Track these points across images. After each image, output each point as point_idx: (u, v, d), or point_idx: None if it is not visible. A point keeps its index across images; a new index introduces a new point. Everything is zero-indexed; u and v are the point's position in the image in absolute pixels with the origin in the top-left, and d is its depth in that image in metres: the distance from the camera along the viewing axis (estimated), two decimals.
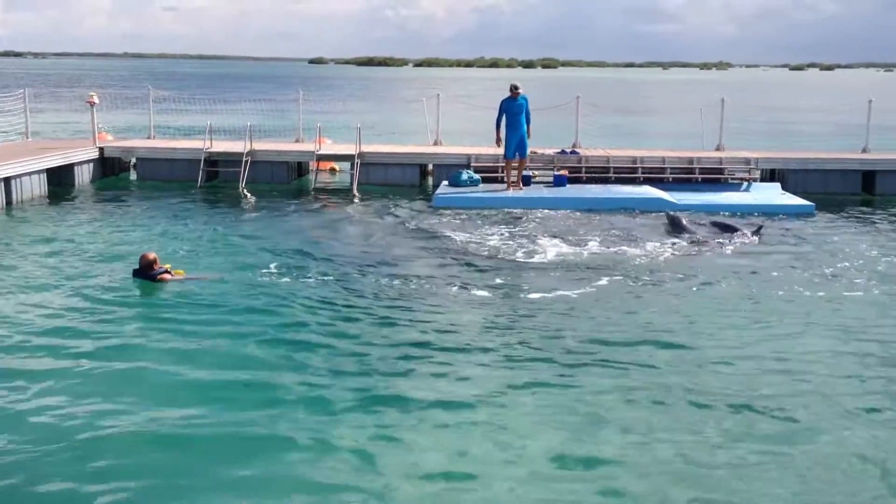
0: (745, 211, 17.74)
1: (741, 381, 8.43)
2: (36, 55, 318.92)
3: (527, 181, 19.51)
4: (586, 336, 9.68)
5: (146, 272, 11.41)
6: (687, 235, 15.16)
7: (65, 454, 6.78)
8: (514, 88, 18.84)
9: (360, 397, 7.84)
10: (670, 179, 20.45)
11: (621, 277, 12.27)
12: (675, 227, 15.72)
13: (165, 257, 12.30)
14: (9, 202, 17.47)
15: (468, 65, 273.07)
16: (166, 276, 11.43)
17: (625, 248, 14.23)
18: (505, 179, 19.33)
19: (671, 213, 16.50)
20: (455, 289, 11.53)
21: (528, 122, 18.84)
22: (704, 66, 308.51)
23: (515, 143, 18.85)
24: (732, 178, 20.70)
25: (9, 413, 7.50)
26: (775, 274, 12.70)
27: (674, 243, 14.60)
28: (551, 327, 10.00)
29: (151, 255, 11.60)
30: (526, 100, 18.93)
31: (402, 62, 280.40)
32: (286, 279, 11.81)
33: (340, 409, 7.61)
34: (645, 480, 6.51)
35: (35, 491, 6.26)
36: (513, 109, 18.76)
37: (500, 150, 19.07)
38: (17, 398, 7.81)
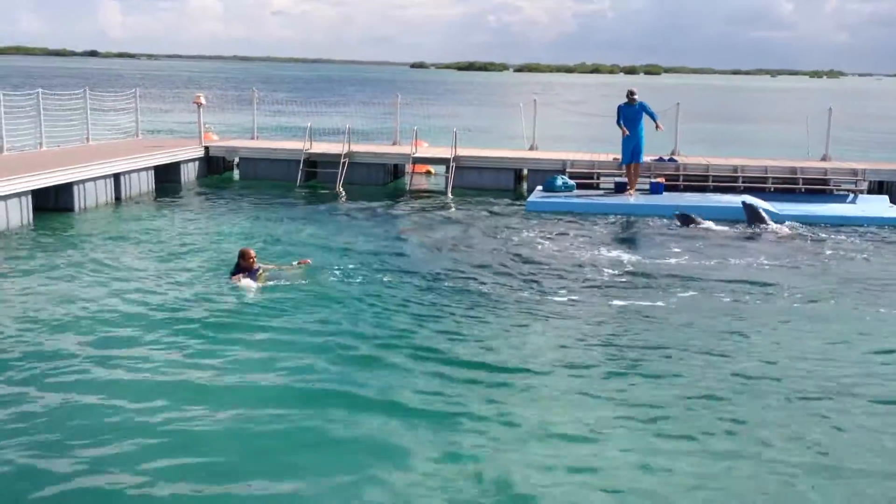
0: (849, 223, 17.14)
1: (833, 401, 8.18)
2: (149, 57, 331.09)
3: (658, 189, 19.32)
4: (667, 349, 9.53)
5: (243, 267, 11.68)
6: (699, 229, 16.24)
7: (141, 447, 7.02)
8: (630, 94, 18.90)
9: (430, 405, 7.83)
10: (772, 189, 19.94)
11: (707, 289, 12.02)
12: (685, 223, 16.56)
13: (261, 254, 12.62)
14: (118, 197, 18.20)
15: (569, 70, 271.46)
16: (237, 280, 11.62)
17: (713, 259, 13.94)
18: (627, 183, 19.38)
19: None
20: (538, 296, 11.44)
21: (653, 118, 18.86)
22: (815, 75, 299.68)
23: (631, 149, 18.99)
24: (838, 189, 20.05)
25: (90, 402, 7.76)
26: (875, 289, 12.24)
27: (769, 256, 14.22)
28: (633, 338, 9.88)
29: (252, 252, 11.88)
30: (644, 105, 18.91)
31: (503, 67, 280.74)
32: (374, 280, 11.94)
33: (407, 415, 7.60)
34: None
35: (116, 480, 6.51)
36: (629, 115, 18.82)
37: (596, 157, 18.98)
38: (104, 388, 8.09)
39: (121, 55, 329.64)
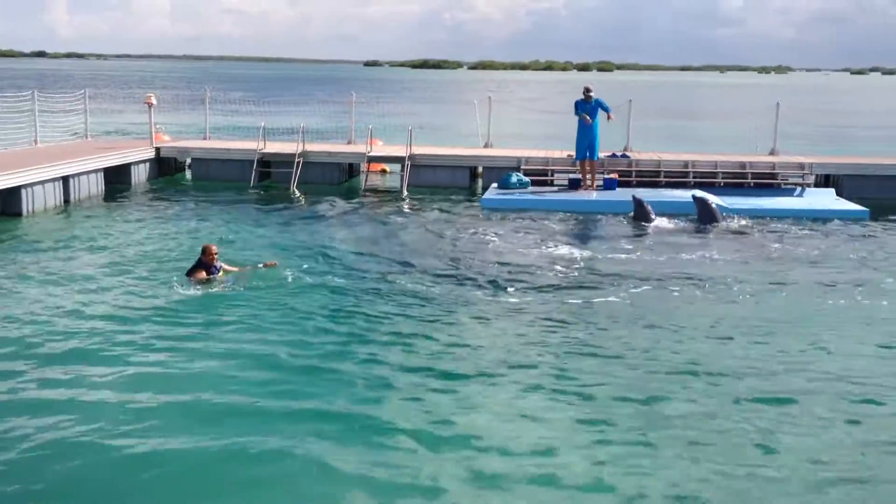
0: (797, 216, 17.48)
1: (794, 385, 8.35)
2: (98, 57, 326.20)
3: (611, 185, 19.47)
4: (620, 345, 9.66)
5: (204, 263, 11.65)
6: (652, 219, 16.68)
7: (106, 451, 6.96)
8: (587, 91, 19.15)
9: (382, 401, 7.87)
10: (722, 184, 20.22)
11: (661, 284, 12.18)
12: (642, 213, 16.84)
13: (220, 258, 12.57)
14: (67, 200, 17.92)
15: (523, 67, 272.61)
16: (200, 274, 11.60)
17: (670, 254, 14.12)
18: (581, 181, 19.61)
19: (638, 197, 17.24)
20: (493, 295, 11.49)
21: (606, 110, 19.13)
22: (763, 70, 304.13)
23: (586, 145, 19.23)
24: (786, 183, 20.41)
25: (55, 407, 7.67)
26: (825, 280, 12.49)
27: (719, 250, 14.45)
28: (587, 335, 9.99)
29: (214, 248, 11.87)
30: (600, 101, 19.13)
31: (457, 64, 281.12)
32: (329, 282, 11.90)
33: (356, 413, 7.62)
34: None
35: (82, 483, 6.45)
36: (585, 111, 19.05)
37: (550, 154, 19.14)
38: (62, 393, 8.00)
39: (69, 55, 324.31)
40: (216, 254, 11.77)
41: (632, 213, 17.15)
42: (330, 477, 6.51)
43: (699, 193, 17.75)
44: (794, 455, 6.97)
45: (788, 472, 6.70)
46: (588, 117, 19.00)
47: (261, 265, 12.31)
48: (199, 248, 12.14)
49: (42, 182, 17.04)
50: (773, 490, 6.44)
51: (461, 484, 6.46)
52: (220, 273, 11.73)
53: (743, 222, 16.82)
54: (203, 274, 11.59)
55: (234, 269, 12.10)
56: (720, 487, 6.46)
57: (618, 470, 6.70)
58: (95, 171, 19.10)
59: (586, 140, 19.17)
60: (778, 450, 7.05)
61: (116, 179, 20.18)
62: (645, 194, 18.46)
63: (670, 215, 17.15)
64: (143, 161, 21.45)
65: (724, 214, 17.14)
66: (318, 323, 10.07)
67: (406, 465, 6.71)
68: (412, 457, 6.82)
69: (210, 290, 11.25)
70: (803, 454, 6.98)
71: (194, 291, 11.17)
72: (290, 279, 11.83)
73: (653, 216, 16.80)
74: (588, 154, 19.31)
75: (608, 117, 19.23)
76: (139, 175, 21.24)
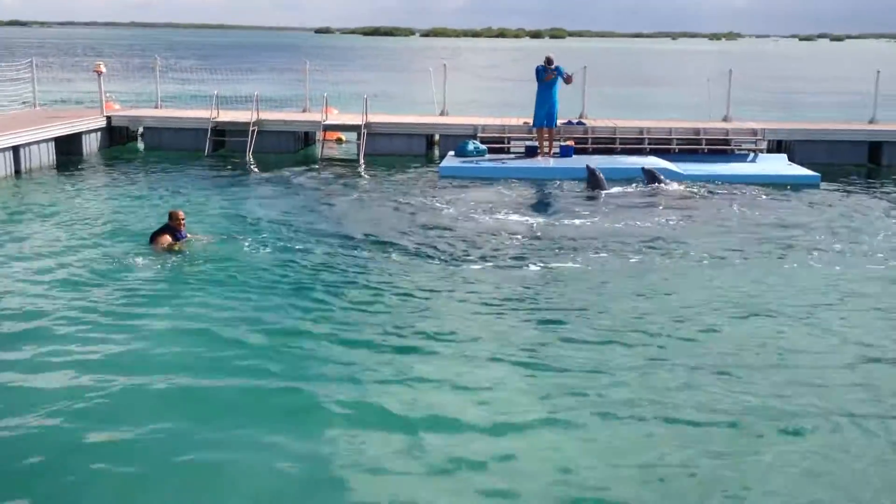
0: (750, 181, 17.76)
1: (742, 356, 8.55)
2: (41, 24, 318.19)
3: (567, 152, 19.55)
4: (580, 311, 9.79)
5: (170, 228, 11.58)
6: (605, 188, 16.72)
7: (74, 423, 6.93)
8: (548, 61, 19.16)
9: (344, 374, 7.86)
10: (676, 150, 20.45)
11: (616, 250, 12.34)
12: (595, 181, 17.00)
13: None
14: (17, 171, 17.58)
15: (476, 35, 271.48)
16: (166, 239, 11.55)
17: (625, 220, 14.29)
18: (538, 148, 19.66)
19: (591, 167, 17.35)
20: (453, 263, 11.54)
21: (561, 75, 19.24)
22: (714, 37, 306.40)
23: (544, 113, 19.36)
24: (739, 150, 20.70)
25: (17, 387, 7.58)
26: (777, 243, 12.75)
27: (673, 216, 14.65)
28: (546, 302, 10.10)
29: (182, 214, 11.83)
30: (560, 69, 19.19)
31: (409, 32, 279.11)
32: (287, 251, 11.84)
33: (320, 386, 7.61)
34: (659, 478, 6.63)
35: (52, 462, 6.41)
36: (545, 80, 19.06)
37: (507, 121, 19.20)
38: (24, 371, 7.90)
39: (11, 23, 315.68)
40: (183, 219, 11.70)
41: (586, 183, 17.28)
42: (284, 456, 6.46)
43: (648, 165, 17.91)
44: (753, 421, 7.15)
45: (745, 442, 6.88)
46: (552, 73, 19.16)
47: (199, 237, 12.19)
48: (158, 217, 12.01)
49: None
50: (736, 456, 6.61)
51: (420, 460, 6.51)
52: (186, 240, 11.64)
53: (690, 188, 17.04)
54: (168, 239, 11.50)
55: (200, 236, 12.01)
56: (688, 463, 6.62)
57: (580, 444, 6.81)
58: (46, 140, 18.73)
59: (545, 107, 19.28)
60: (735, 414, 7.22)
61: (67, 149, 19.82)
62: (600, 161, 18.61)
63: (626, 182, 17.32)
64: (95, 130, 21.07)
65: (678, 180, 17.39)
66: (277, 295, 9.94)
67: (358, 442, 6.67)
68: (364, 435, 6.77)
69: (170, 259, 11.14)
70: (759, 422, 7.17)
71: (151, 261, 11.04)
72: (247, 249, 11.76)
73: (606, 185, 16.95)
74: (546, 122, 19.43)
75: (567, 79, 19.30)
76: (90, 144, 20.87)
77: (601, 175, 17.14)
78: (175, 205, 14.19)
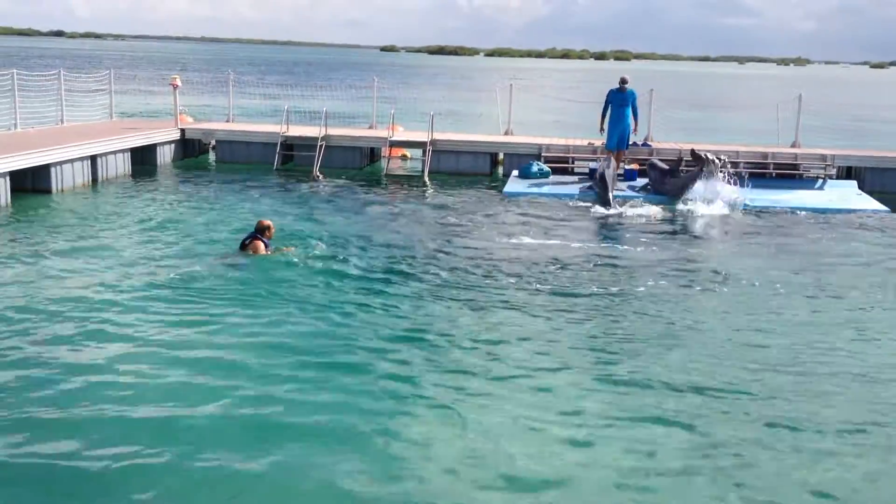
0: (817, 213, 17.40)
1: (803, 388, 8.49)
2: (115, 37, 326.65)
3: (631, 176, 19.58)
4: (645, 337, 9.80)
5: (256, 233, 12.05)
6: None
7: (134, 430, 7.17)
8: (622, 81, 19.35)
9: (397, 385, 7.99)
10: (745, 174, 20.25)
11: (693, 275, 12.31)
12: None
13: (238, 237, 12.81)
14: (95, 179, 18.16)
15: (540, 55, 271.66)
16: (260, 245, 11.96)
17: (694, 246, 14.24)
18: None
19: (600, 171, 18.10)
20: (511, 283, 11.60)
21: (635, 116, 19.47)
22: (782, 62, 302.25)
23: (618, 135, 19.41)
24: (807, 175, 20.44)
25: (85, 389, 7.82)
26: (842, 278, 12.60)
27: (728, 235, 14.55)
28: (607, 330, 10.13)
29: (267, 222, 12.26)
30: (633, 94, 19.35)
31: (474, 51, 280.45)
32: (349, 264, 12.01)
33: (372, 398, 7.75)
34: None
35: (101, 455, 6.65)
36: (618, 101, 19.26)
37: (571, 142, 19.26)
38: (92, 373, 8.16)
39: (87, 35, 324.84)
40: (271, 228, 12.19)
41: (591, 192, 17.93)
42: (338, 468, 6.55)
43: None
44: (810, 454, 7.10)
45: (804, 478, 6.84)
46: (605, 129, 19.49)
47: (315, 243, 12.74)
48: (227, 226, 12.36)
49: (71, 161, 17.28)
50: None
51: (480, 478, 6.62)
52: (273, 250, 12.08)
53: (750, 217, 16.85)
54: (262, 247, 11.92)
55: (285, 249, 12.41)
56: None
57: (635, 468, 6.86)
58: (122, 150, 19.33)
59: (618, 129, 19.36)
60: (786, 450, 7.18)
61: (142, 160, 20.42)
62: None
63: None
64: (169, 142, 21.67)
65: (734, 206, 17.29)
66: (340, 310, 10.05)
67: (419, 460, 6.77)
68: (426, 452, 6.85)
69: (227, 268, 11.42)
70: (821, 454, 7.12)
71: (218, 270, 11.32)
72: (315, 263, 11.96)
73: (611, 200, 17.19)
74: (618, 144, 19.47)
75: (634, 127, 19.51)
76: (164, 156, 21.47)
77: (609, 182, 17.55)
78: (260, 214, 14.58)
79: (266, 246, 12.01)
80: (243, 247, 12.04)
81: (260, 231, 12.10)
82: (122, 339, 8.89)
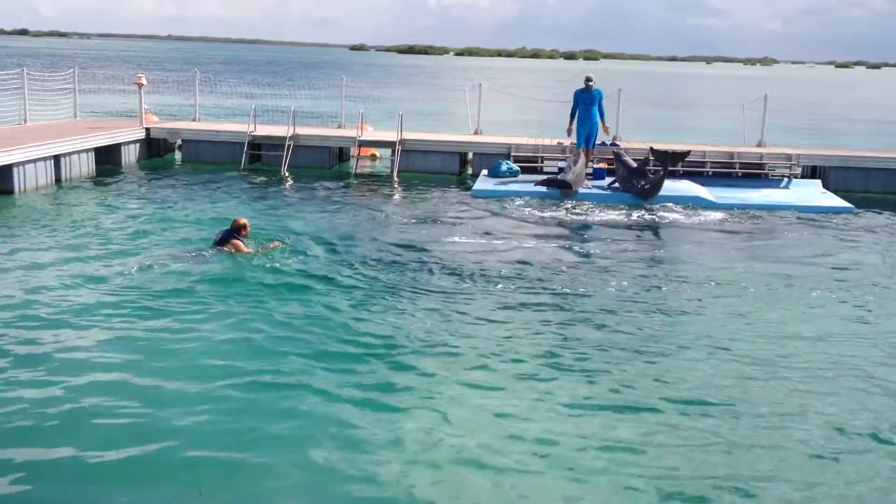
0: (783, 210, 17.61)
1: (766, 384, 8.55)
2: (81, 36, 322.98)
3: (600, 175, 19.63)
4: (613, 337, 9.83)
5: (232, 231, 12.06)
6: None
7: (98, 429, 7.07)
8: (587, 80, 19.37)
9: (369, 384, 7.99)
10: (710, 173, 20.42)
11: (659, 274, 12.37)
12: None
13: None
14: (58, 179, 17.90)
15: (509, 55, 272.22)
16: (239, 244, 11.97)
17: (660, 245, 14.31)
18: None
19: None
20: (481, 282, 11.56)
21: (601, 114, 19.50)
22: (748, 62, 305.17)
23: (586, 134, 19.52)
24: (773, 174, 20.62)
25: (52, 387, 7.75)
26: (808, 274, 12.72)
27: (694, 234, 14.65)
28: (574, 326, 10.14)
29: (243, 220, 12.28)
30: (600, 93, 19.40)
31: (444, 50, 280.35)
32: (315, 264, 11.94)
33: (340, 394, 7.73)
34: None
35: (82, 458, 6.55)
36: (585, 101, 19.32)
37: (540, 141, 19.29)
38: (55, 374, 8.06)
39: (51, 34, 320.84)
40: (245, 225, 12.23)
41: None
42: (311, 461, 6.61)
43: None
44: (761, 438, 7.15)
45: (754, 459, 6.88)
46: (573, 129, 19.61)
47: (269, 244, 12.61)
48: (193, 226, 12.28)
49: (34, 160, 17.01)
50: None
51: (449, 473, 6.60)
52: (254, 249, 12.15)
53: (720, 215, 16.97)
54: (241, 246, 11.95)
55: (272, 245, 12.52)
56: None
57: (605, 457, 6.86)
58: (86, 150, 19.07)
59: (585, 128, 19.43)
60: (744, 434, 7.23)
61: (107, 159, 20.15)
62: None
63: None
64: (134, 141, 21.42)
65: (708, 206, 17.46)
66: (306, 312, 10.00)
67: (391, 457, 6.78)
68: (398, 452, 6.88)
69: (192, 267, 11.31)
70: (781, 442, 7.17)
71: (181, 269, 11.20)
72: (282, 263, 11.88)
73: (574, 185, 17.73)
74: (585, 143, 19.53)
75: (604, 128, 19.60)
76: (129, 155, 21.21)
77: (571, 177, 17.86)
78: (228, 214, 14.54)
79: (244, 245, 12.01)
80: (219, 245, 11.96)
81: (236, 230, 12.08)
82: (89, 341, 8.77)
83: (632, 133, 23.34)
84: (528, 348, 9.01)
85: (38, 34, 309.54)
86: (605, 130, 19.91)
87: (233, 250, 11.91)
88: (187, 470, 6.37)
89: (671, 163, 18.12)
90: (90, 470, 6.34)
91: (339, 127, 24.08)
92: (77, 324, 9.22)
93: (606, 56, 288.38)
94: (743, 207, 17.73)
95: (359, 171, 21.75)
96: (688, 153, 18.74)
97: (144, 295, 10.16)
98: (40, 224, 13.96)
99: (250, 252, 12.01)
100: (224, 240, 12.02)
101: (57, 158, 17.89)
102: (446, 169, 21.42)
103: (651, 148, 19.05)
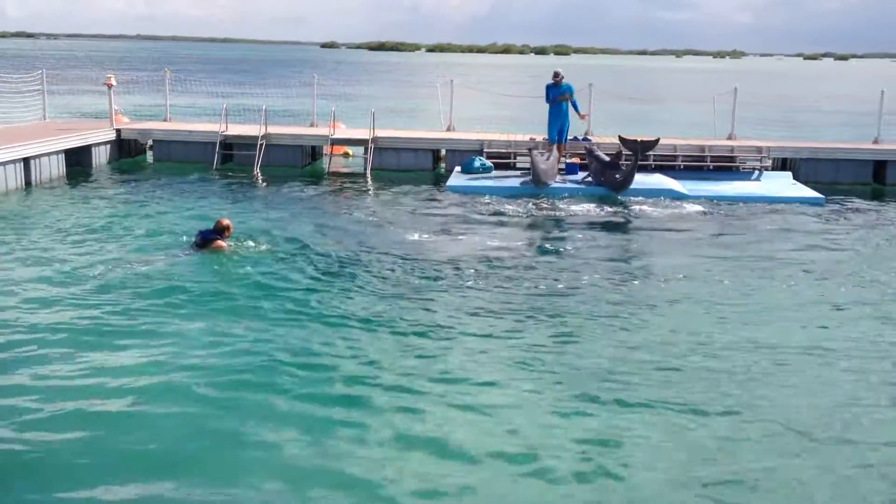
0: (754, 202, 17.80)
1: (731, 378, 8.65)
2: (48, 36, 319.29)
3: (573, 169, 19.69)
4: (592, 323, 9.89)
5: (215, 232, 12.06)
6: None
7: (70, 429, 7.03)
8: (556, 75, 19.37)
9: (343, 383, 8.00)
10: (681, 167, 20.57)
11: (630, 270, 12.45)
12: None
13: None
14: (28, 182, 17.73)
15: (480, 51, 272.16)
16: (223, 244, 12.05)
17: (633, 238, 14.40)
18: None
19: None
20: (455, 279, 11.61)
21: (576, 107, 19.67)
22: (718, 55, 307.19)
23: (557, 129, 19.58)
24: (744, 167, 20.81)
25: (34, 391, 7.71)
26: (779, 265, 12.86)
27: (667, 226, 14.77)
28: (552, 321, 10.20)
29: (226, 221, 12.30)
30: (570, 87, 19.45)
31: (415, 47, 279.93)
32: (289, 264, 11.92)
33: (327, 395, 7.75)
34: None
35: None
36: (556, 95, 19.44)
37: (513, 137, 19.37)
38: (34, 374, 8.03)
39: (18, 34, 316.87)
40: (228, 226, 12.24)
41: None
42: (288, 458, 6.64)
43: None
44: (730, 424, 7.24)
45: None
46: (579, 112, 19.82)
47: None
48: (168, 227, 12.23)
49: (3, 163, 16.84)
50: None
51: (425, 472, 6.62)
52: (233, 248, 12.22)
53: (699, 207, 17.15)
54: (225, 247, 11.96)
55: (256, 245, 12.62)
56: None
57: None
58: (56, 152, 18.88)
59: (558, 123, 19.52)
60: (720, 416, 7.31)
61: (77, 161, 19.99)
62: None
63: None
64: (104, 143, 21.24)
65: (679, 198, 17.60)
66: (284, 308, 10.03)
67: (367, 457, 6.76)
68: (375, 452, 6.84)
69: (168, 268, 11.26)
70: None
71: (155, 270, 11.15)
72: (256, 263, 11.85)
73: (545, 177, 17.97)
74: (557, 137, 19.60)
75: (580, 116, 19.66)
76: (100, 157, 21.04)
77: (542, 167, 18.04)
78: (201, 214, 14.56)
79: (227, 245, 12.10)
80: (202, 246, 11.93)
81: (219, 231, 12.10)
82: (60, 346, 8.70)
83: (604, 127, 23.46)
84: (503, 344, 9.05)
85: (4, 35, 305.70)
86: (582, 118, 20.00)
87: (215, 251, 11.85)
88: (164, 471, 6.35)
89: (641, 151, 18.28)
90: (59, 473, 6.30)
91: (312, 125, 24.01)
92: (49, 328, 9.14)
93: (577, 51, 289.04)
94: (715, 199, 17.88)
95: (332, 169, 21.70)
96: (657, 141, 18.86)
97: (120, 297, 10.11)
98: (10, 227, 13.82)
99: (230, 251, 11.99)
100: (207, 240, 11.96)
101: (27, 161, 17.70)
102: (419, 166, 21.43)
103: (620, 136, 19.14)
